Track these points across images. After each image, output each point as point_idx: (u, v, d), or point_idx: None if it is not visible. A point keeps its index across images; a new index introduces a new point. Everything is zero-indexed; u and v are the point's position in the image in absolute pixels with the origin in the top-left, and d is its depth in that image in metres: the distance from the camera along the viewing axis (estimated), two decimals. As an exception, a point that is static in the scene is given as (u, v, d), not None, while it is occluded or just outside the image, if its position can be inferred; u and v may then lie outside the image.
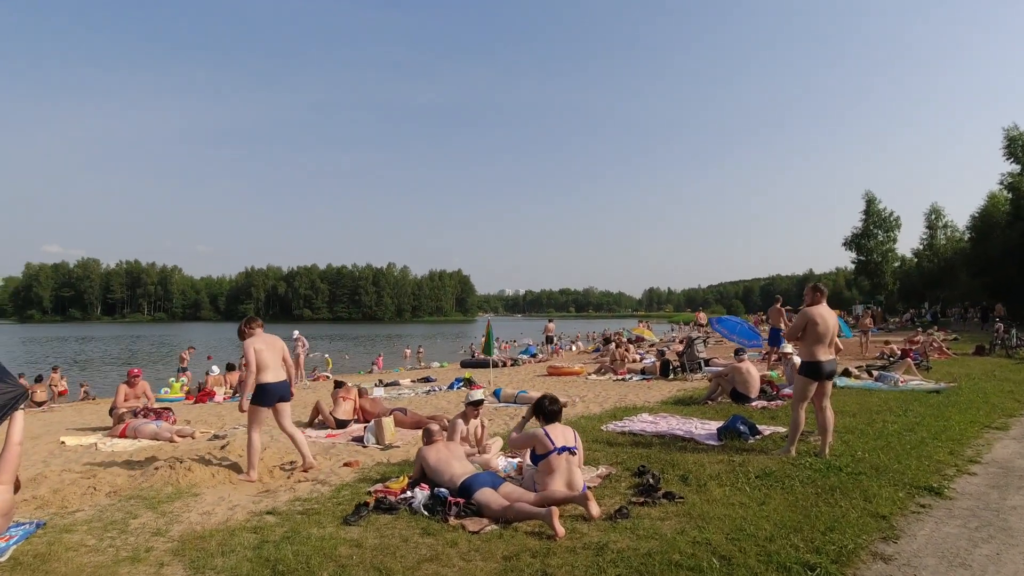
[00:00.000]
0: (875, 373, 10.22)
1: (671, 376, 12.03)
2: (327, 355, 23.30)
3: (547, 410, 4.41)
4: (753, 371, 8.26)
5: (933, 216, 48.21)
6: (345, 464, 5.40)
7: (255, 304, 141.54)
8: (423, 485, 4.23)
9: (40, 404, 13.47)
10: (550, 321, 22.60)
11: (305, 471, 5.11)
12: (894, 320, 37.26)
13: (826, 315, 5.23)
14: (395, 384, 13.29)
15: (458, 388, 11.52)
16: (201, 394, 11.97)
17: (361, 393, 7.83)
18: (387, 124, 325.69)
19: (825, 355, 5.22)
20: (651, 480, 4.39)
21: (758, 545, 3.17)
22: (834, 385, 9.50)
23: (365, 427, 6.77)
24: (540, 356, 22.63)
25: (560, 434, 4.23)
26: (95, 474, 5.19)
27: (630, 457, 5.28)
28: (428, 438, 4.69)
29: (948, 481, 4.51)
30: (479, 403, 5.32)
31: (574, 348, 28.97)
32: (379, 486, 4.43)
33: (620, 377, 12.53)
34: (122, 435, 7.28)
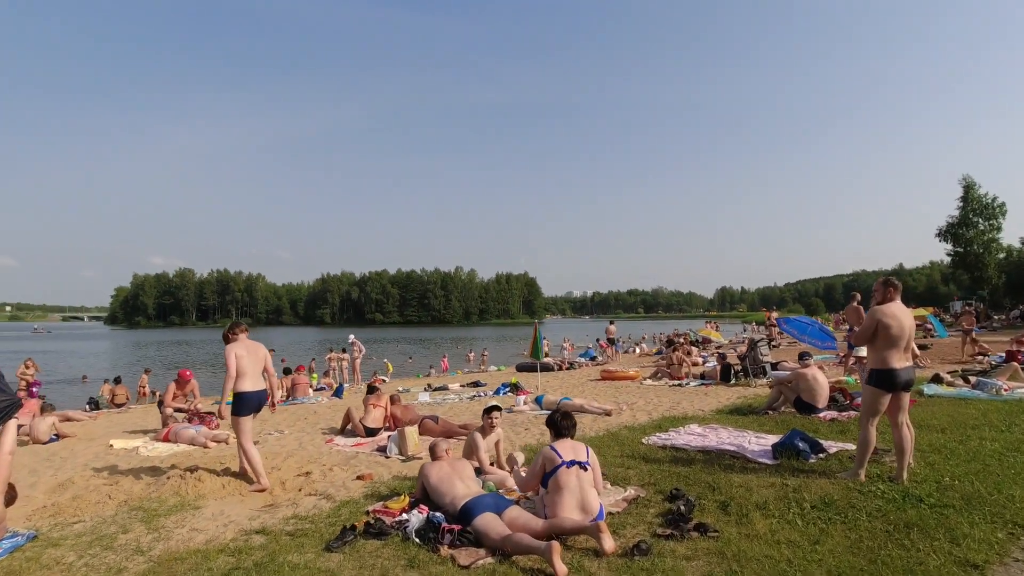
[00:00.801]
0: (972, 379, 8.90)
1: (732, 381, 11.18)
2: (386, 360, 23.55)
3: (558, 425, 3.92)
4: (820, 377, 7.33)
5: (1045, 201, 42.54)
6: (358, 477, 5.10)
7: (331, 309, 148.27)
8: (422, 507, 3.83)
9: (120, 406, 14.31)
10: (611, 323, 21.82)
11: (260, 491, 4.81)
12: (999, 317, 33.38)
13: (900, 315, 4.40)
14: (443, 389, 13.11)
15: (504, 394, 11.18)
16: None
17: (393, 400, 7.59)
18: (452, 127, 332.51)
19: (900, 362, 4.39)
20: (682, 508, 3.78)
21: (800, 603, 2.53)
22: (920, 394, 8.39)
23: (389, 436, 6.48)
24: (600, 359, 21.94)
25: (569, 448, 3.73)
26: (117, 481, 5.17)
27: (666, 477, 4.66)
28: (433, 454, 4.30)
29: (1065, 518, 3.61)
30: (493, 411, 4.87)
31: (638, 350, 27.96)
32: (379, 505, 4.07)
33: (677, 382, 11.75)
34: (164, 439, 7.38)
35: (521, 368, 17.97)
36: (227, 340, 5.06)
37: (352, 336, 18.00)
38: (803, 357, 7.74)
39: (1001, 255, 44.08)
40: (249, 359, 4.95)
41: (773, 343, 20.85)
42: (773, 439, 5.67)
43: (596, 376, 13.82)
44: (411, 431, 6.08)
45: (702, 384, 11.32)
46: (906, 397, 4.49)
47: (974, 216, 42.69)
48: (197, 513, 4.25)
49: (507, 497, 4.18)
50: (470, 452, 4.78)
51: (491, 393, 11.64)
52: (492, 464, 4.93)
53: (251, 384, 4.94)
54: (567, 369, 17.59)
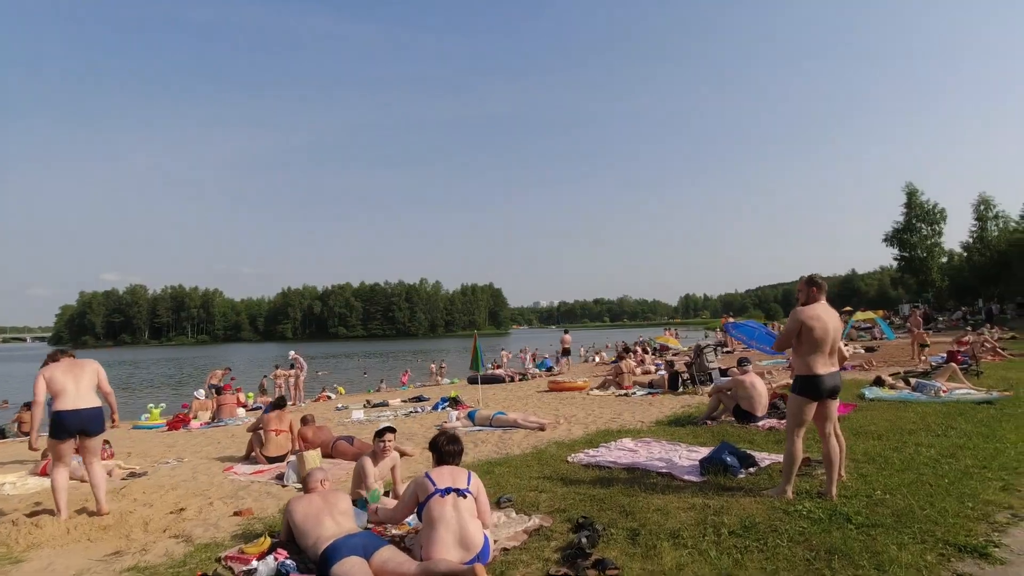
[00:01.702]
0: (912, 381, 8.78)
1: (680, 390, 10.90)
2: (338, 384, 22.76)
3: (441, 449, 3.42)
4: (759, 384, 7.06)
5: (982, 207, 44.67)
6: (235, 513, 4.47)
7: (292, 324, 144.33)
8: (280, 552, 3.25)
9: (27, 434, 13.12)
10: (565, 332, 21.48)
11: (100, 515, 4.30)
12: (941, 319, 34.51)
13: (824, 316, 4.08)
14: (383, 405, 12.52)
15: (442, 409, 10.66)
16: (175, 420, 11.33)
17: (304, 420, 6.95)
18: (411, 141, 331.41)
19: (825, 367, 4.07)
20: (584, 540, 3.30)
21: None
22: (861, 398, 8.22)
23: (288, 462, 5.84)
24: (558, 370, 21.57)
25: (447, 475, 3.24)
26: (-51, 529, 4.40)
27: (580, 501, 4.20)
28: (306, 485, 3.73)
29: (999, 534, 3.30)
30: (386, 433, 4.34)
31: (597, 359, 27.71)
32: (234, 550, 3.47)
33: (624, 392, 11.38)
34: (43, 472, 6.53)
35: (473, 381, 17.48)
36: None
37: (293, 352, 17.14)
38: (742, 363, 7.44)
39: (943, 259, 45.89)
40: (67, 377, 4.33)
41: (726, 349, 20.85)
42: (705, 453, 5.29)
43: (546, 387, 13.42)
44: (312, 455, 5.48)
45: (649, 393, 11.02)
46: (833, 405, 4.16)
47: (917, 222, 44.39)
48: (15, 569, 3.56)
49: (392, 532, 3.64)
50: (358, 481, 4.21)
51: (429, 409, 11.12)
52: (388, 494, 4.38)
53: (71, 403, 4.33)
54: (519, 380, 17.17)
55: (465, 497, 3.17)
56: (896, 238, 45.37)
